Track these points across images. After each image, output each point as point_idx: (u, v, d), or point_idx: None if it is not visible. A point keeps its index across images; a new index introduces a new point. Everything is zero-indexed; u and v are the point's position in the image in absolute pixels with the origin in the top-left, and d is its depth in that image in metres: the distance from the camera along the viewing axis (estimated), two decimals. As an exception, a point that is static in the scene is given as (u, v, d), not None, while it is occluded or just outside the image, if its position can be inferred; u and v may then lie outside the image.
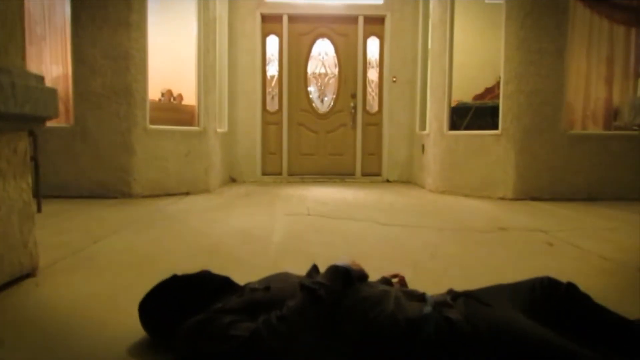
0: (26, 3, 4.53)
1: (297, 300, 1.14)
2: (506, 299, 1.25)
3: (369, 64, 6.56)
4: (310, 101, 6.54)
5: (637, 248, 2.73)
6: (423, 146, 5.81)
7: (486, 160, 4.90)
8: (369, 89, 6.57)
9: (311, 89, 6.57)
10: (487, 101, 5.62)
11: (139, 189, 4.58)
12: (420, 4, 6.16)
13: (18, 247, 1.95)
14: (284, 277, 1.45)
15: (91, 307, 1.75)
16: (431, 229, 3.27)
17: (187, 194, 4.90)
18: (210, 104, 5.24)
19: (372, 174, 6.53)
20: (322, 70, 6.56)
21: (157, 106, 5.13)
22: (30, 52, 4.72)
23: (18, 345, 1.43)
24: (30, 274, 2.04)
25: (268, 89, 6.53)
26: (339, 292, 1.19)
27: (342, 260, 1.30)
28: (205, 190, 5.11)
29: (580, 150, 4.73)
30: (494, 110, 4.93)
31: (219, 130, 5.62)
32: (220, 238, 2.95)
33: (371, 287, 1.28)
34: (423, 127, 6.00)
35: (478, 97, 6.11)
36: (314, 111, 6.53)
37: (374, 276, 1.64)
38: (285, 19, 6.34)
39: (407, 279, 1.79)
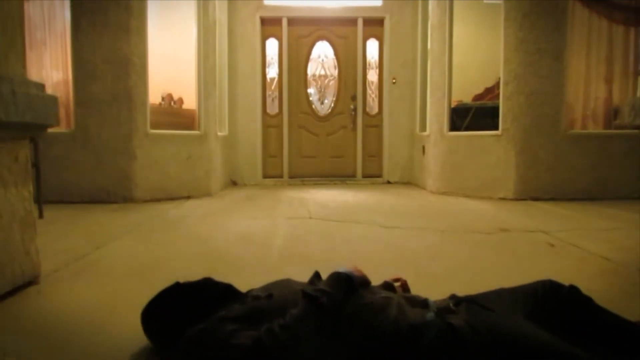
0: (26, 8, 4.55)
1: (300, 308, 1.14)
2: (508, 304, 1.25)
3: (369, 65, 6.57)
4: (310, 104, 6.54)
5: (638, 248, 2.73)
6: (423, 147, 5.81)
7: (487, 161, 4.90)
8: (369, 91, 6.58)
9: (311, 91, 6.57)
10: (487, 102, 5.63)
11: (140, 194, 4.59)
12: (419, 5, 6.17)
13: (20, 255, 1.96)
14: (286, 284, 1.45)
15: (93, 314, 1.75)
16: (433, 231, 3.27)
17: (189, 197, 4.90)
18: (210, 108, 5.25)
19: (373, 176, 6.53)
20: (322, 73, 6.57)
21: (157, 110, 5.14)
22: (31, 57, 4.73)
23: (20, 354, 1.43)
24: (32, 282, 2.04)
25: (268, 92, 6.54)
26: (341, 300, 1.19)
27: (343, 266, 1.31)
28: (207, 194, 5.12)
29: (580, 150, 4.73)
30: (494, 110, 4.93)
31: (219, 133, 5.63)
32: (222, 243, 2.95)
33: (373, 293, 1.28)
34: (423, 128, 6.00)
35: (478, 97, 6.11)
36: (314, 114, 6.53)
37: (376, 280, 1.64)
38: (284, 22, 6.35)
39: (409, 283, 1.79)
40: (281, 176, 6.49)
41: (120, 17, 4.44)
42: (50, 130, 2.31)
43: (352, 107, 6.46)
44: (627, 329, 1.23)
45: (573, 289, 1.29)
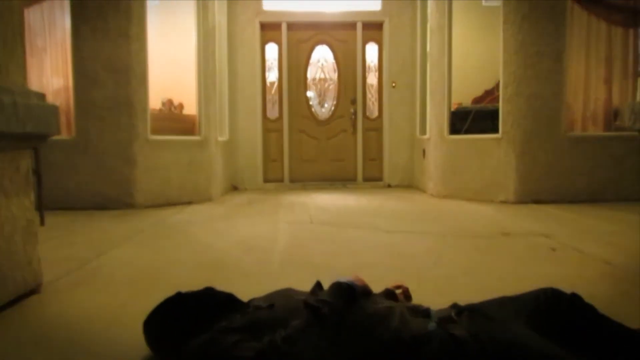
0: (26, 15, 4.57)
1: (301, 319, 1.14)
2: (510, 312, 1.25)
3: (369, 69, 6.58)
4: (310, 108, 6.55)
5: (639, 252, 2.72)
6: (424, 151, 5.81)
7: (487, 164, 4.90)
8: (368, 95, 6.59)
9: (311, 95, 6.58)
10: (487, 105, 5.63)
11: (141, 200, 4.60)
12: (418, 8, 6.18)
13: (22, 264, 1.96)
14: (287, 293, 1.45)
15: (95, 323, 1.75)
16: (434, 235, 3.27)
17: (190, 203, 4.90)
18: (211, 113, 5.26)
19: (373, 179, 6.53)
20: (322, 76, 6.58)
21: (158, 116, 5.15)
22: (31, 63, 4.75)
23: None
24: (34, 291, 2.04)
25: (268, 97, 6.55)
26: (342, 310, 1.20)
27: (345, 276, 1.31)
28: (208, 199, 5.12)
29: (581, 152, 4.73)
30: (494, 113, 4.94)
31: (220, 138, 5.63)
32: (224, 249, 2.95)
33: (375, 302, 1.28)
34: (423, 132, 6.00)
35: (477, 99, 6.12)
36: (314, 118, 6.54)
37: (377, 287, 1.65)
38: (284, 26, 6.36)
39: (411, 289, 1.79)
40: (282, 180, 6.49)
41: (120, 23, 4.46)
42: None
43: (352, 110, 6.47)
44: (629, 337, 1.22)
45: (575, 297, 1.29)
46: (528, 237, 3.20)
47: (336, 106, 6.54)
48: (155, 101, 5.15)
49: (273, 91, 6.54)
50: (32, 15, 4.78)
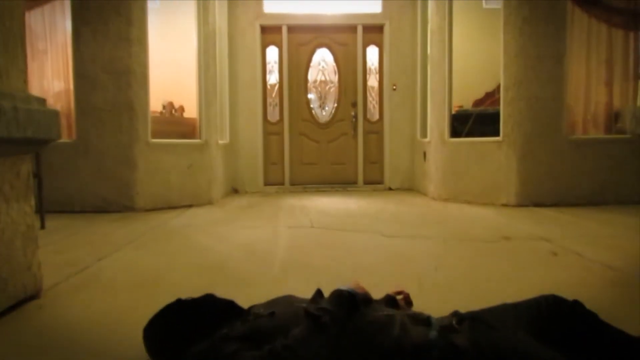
0: (27, 18, 4.57)
1: (302, 328, 1.14)
2: (512, 320, 1.24)
3: (369, 72, 6.58)
4: (311, 111, 6.55)
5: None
6: (424, 153, 5.81)
7: (488, 167, 4.90)
8: (369, 98, 6.59)
9: (312, 98, 6.58)
10: (488, 107, 5.63)
11: (141, 203, 4.59)
12: (419, 11, 6.18)
13: (22, 270, 1.96)
14: (288, 300, 1.45)
15: (94, 330, 1.75)
16: (435, 240, 3.26)
17: (190, 206, 4.90)
18: (211, 117, 5.26)
19: (374, 182, 6.53)
20: (322, 79, 6.58)
21: (158, 119, 5.15)
22: (32, 67, 4.76)
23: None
24: (34, 296, 2.04)
25: (269, 100, 6.55)
26: (343, 318, 1.19)
27: (346, 284, 1.30)
28: (208, 203, 5.12)
29: (582, 154, 4.73)
30: (495, 116, 4.93)
31: (220, 141, 5.63)
32: (224, 253, 2.95)
33: (376, 310, 1.28)
34: (424, 135, 6.00)
35: (478, 102, 6.12)
36: (315, 121, 6.54)
37: (378, 292, 1.64)
38: (284, 29, 6.37)
39: (412, 295, 1.78)
40: (282, 183, 6.49)
41: (121, 26, 4.46)
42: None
43: (352, 113, 6.47)
44: (630, 345, 1.22)
45: (576, 304, 1.28)
46: (529, 241, 3.20)
47: (337, 109, 6.54)
48: (156, 104, 5.15)
49: (274, 94, 6.54)
50: (33, 18, 4.79)
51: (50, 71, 4.92)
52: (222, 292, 1.52)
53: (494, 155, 4.86)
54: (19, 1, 2.00)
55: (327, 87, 6.58)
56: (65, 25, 4.80)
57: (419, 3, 6.17)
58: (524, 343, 1.12)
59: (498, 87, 5.09)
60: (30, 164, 2.07)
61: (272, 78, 6.54)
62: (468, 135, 5.23)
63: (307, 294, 1.51)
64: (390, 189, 6.48)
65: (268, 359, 1.06)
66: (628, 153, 4.69)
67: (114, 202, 4.53)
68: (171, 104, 5.67)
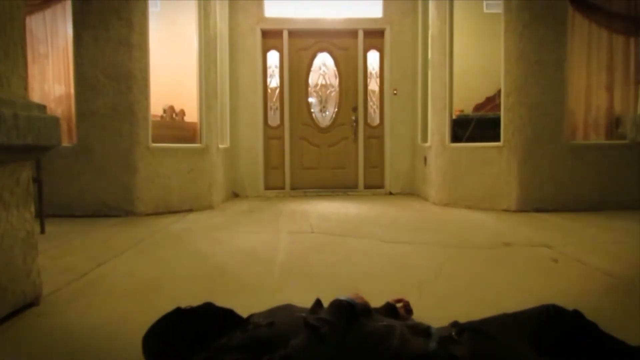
0: (28, 23, 4.59)
1: (301, 338, 1.13)
2: (512, 330, 1.24)
3: (370, 76, 6.58)
4: (311, 115, 6.56)
5: (642, 263, 2.71)
6: (425, 158, 5.81)
7: (489, 172, 4.89)
8: (370, 102, 6.59)
9: (312, 102, 6.59)
10: (489, 113, 5.63)
11: (142, 207, 4.59)
12: (419, 16, 6.19)
13: (21, 277, 1.96)
14: (287, 310, 1.44)
15: (94, 337, 1.74)
16: (435, 246, 3.25)
17: (191, 210, 4.90)
18: (212, 121, 5.26)
19: (374, 187, 6.52)
20: (323, 82, 6.58)
21: (159, 124, 5.16)
22: (33, 71, 4.77)
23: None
24: (33, 303, 2.03)
25: (269, 104, 6.55)
26: (342, 329, 1.19)
27: (345, 294, 1.30)
28: (209, 207, 5.12)
29: (582, 160, 4.72)
30: (496, 121, 4.93)
31: (221, 146, 5.64)
32: (224, 259, 2.95)
33: (375, 321, 1.27)
34: (425, 139, 6.00)
35: (479, 106, 6.12)
36: (315, 125, 6.55)
37: (378, 300, 1.64)
38: (285, 34, 6.38)
39: (412, 303, 1.78)
40: (283, 187, 6.49)
41: (121, 31, 4.47)
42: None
43: (353, 118, 6.47)
44: (631, 355, 1.21)
45: (577, 314, 1.28)
46: (529, 247, 3.19)
47: (337, 113, 6.54)
48: (156, 108, 5.16)
49: (274, 98, 6.55)
50: (34, 22, 4.80)
51: (51, 75, 4.93)
52: (221, 300, 1.51)
53: (494, 160, 4.85)
54: (20, 7, 2.00)
55: (328, 92, 6.59)
56: (66, 29, 4.82)
57: (419, 8, 6.18)
58: (524, 354, 1.11)
59: (499, 91, 5.09)
60: (30, 171, 2.07)
61: (273, 82, 6.54)
62: (469, 140, 5.22)
63: (307, 301, 1.51)
64: (390, 193, 6.48)
65: (267, 370, 1.06)
66: (629, 158, 4.69)
67: (115, 206, 4.53)
68: (172, 108, 5.67)
